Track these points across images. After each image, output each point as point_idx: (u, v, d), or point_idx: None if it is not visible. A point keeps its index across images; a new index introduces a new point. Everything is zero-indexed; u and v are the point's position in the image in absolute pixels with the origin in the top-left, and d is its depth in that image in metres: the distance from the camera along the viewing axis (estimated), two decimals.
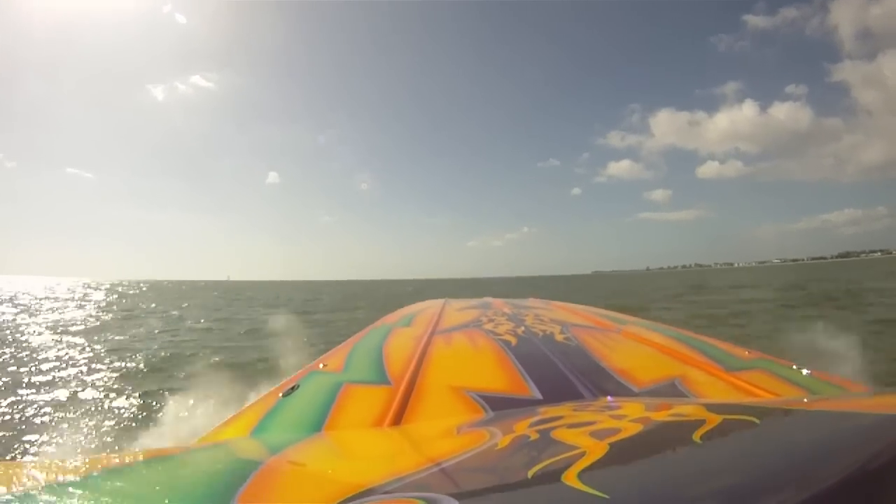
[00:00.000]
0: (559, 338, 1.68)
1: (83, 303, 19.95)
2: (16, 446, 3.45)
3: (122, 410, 4.30)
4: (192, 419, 3.70)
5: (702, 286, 22.96)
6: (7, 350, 7.21)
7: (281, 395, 1.13)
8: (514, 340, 1.60)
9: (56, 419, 4.00)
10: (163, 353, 7.01)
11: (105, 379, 5.41)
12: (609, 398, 1.07)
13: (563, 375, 1.24)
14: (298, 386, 1.18)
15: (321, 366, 1.37)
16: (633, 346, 1.63)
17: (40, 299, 21.91)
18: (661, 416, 0.75)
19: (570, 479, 0.43)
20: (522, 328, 1.83)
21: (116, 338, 8.83)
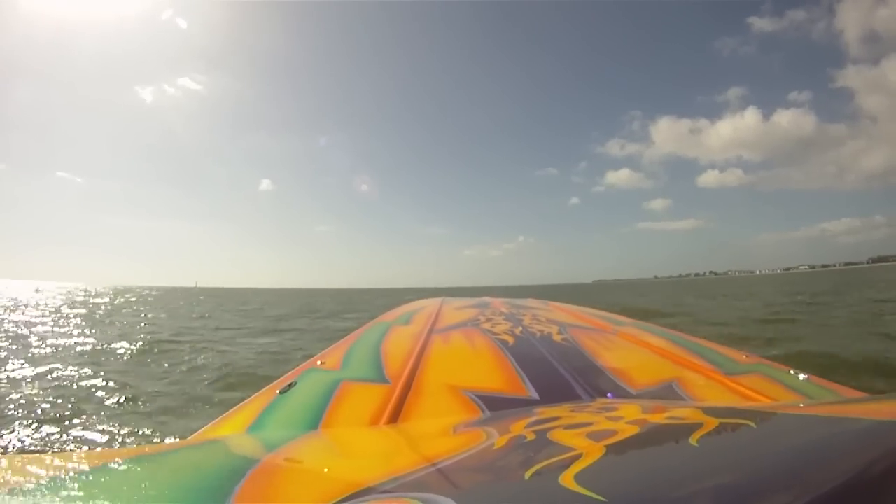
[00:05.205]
0: (557, 338, 1.66)
1: None
2: None
3: None
4: None
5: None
6: None
7: (278, 391, 1.12)
8: (511, 340, 1.58)
9: None
10: None
11: None
12: (606, 399, 1.04)
13: (561, 376, 1.22)
14: (296, 383, 1.17)
15: (319, 363, 1.36)
16: (630, 348, 1.60)
17: None
18: (658, 419, 0.74)
19: (567, 480, 0.43)
20: (520, 328, 1.81)
21: None
